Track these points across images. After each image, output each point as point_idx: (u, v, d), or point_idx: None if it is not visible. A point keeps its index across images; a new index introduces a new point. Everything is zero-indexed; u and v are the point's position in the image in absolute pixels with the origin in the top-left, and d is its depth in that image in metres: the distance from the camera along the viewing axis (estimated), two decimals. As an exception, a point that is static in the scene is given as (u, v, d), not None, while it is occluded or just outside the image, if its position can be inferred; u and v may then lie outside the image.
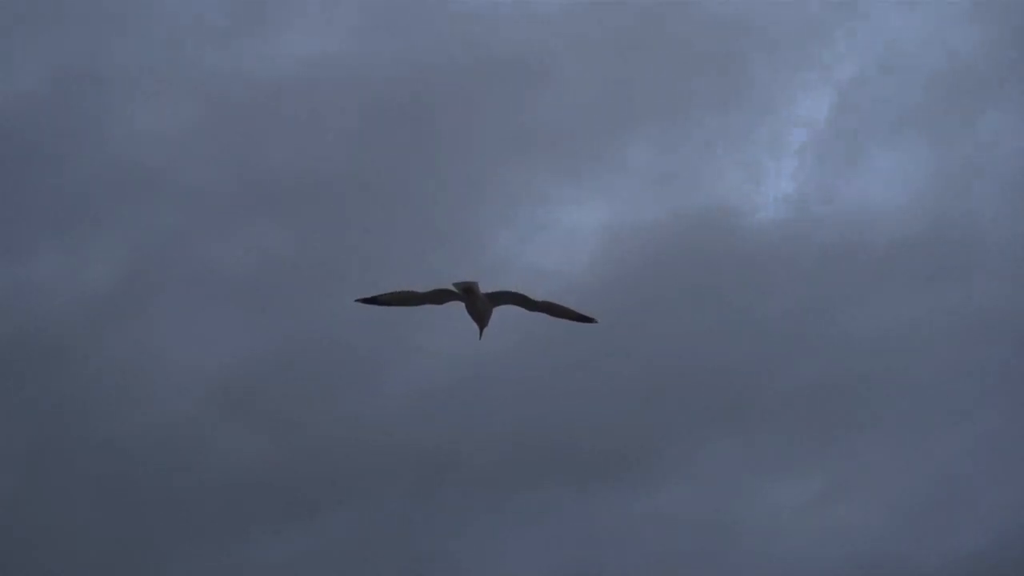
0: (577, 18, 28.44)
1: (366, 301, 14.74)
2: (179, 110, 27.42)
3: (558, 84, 28.37)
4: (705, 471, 25.53)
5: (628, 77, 28.58)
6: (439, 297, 14.86)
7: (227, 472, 24.14)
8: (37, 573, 23.59)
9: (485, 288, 14.92)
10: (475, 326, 15.13)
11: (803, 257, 26.99)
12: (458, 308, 15.01)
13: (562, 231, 27.45)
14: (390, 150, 27.61)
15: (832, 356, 26.12)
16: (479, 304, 14.78)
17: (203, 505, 24.18)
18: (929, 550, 24.58)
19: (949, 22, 28.52)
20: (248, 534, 24.15)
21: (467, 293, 14.73)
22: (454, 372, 24.97)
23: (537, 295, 15.08)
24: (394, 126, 27.78)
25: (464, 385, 24.79)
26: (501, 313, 25.81)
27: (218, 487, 24.18)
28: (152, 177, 26.87)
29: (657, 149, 28.26)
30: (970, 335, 26.26)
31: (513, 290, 14.92)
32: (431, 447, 24.65)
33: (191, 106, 27.49)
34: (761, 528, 25.01)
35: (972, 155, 27.91)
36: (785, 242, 27.13)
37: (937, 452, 25.60)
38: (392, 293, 14.73)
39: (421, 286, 14.74)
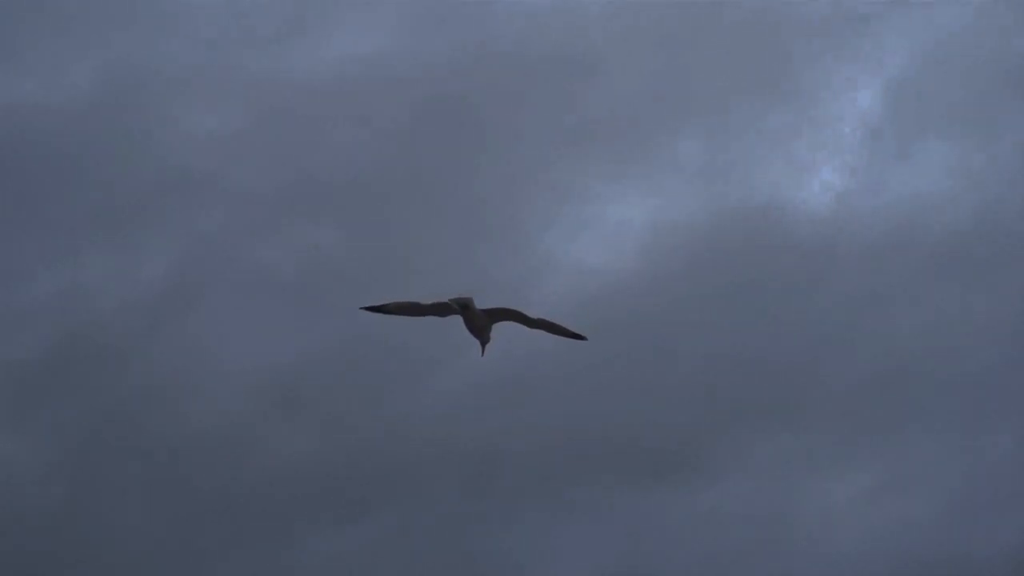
0: (623, 13, 28.40)
1: (372, 309, 14.92)
2: (227, 113, 27.57)
3: (604, 80, 28.35)
4: (757, 467, 25.46)
5: (675, 72, 28.52)
6: (441, 310, 15.04)
7: (277, 471, 24.23)
8: (92, 572, 23.73)
9: (482, 304, 15.10)
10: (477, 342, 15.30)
11: (852, 251, 26.88)
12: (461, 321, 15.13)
13: (609, 228, 27.43)
14: (436, 149, 27.66)
15: (883, 351, 25.98)
16: (476, 320, 14.93)
17: (254, 505, 24.27)
18: (982, 544, 24.40)
19: (999, 13, 28.32)
20: (299, 533, 24.21)
21: (463, 309, 14.91)
22: (504, 368, 24.93)
23: (534, 312, 15.22)
24: (440, 125, 27.83)
25: (515, 381, 24.78)
26: (545, 310, 25.81)
27: (268, 486, 24.27)
28: (201, 179, 27.04)
29: (704, 144, 28.20)
30: (1022, 328, 26.06)
31: (510, 307, 15.03)
32: (481, 444, 24.65)
33: (238, 109, 27.64)
34: (814, 524, 24.90)
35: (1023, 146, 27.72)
36: (834, 236, 27.02)
37: (989, 446, 25.42)
38: (397, 303, 14.91)
39: (425, 298, 14.87)
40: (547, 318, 15.23)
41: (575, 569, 24.28)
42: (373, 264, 25.93)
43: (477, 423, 24.43)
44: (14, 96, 27.26)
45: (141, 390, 24.80)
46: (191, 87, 27.70)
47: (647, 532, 24.60)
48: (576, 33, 28.31)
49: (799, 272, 26.66)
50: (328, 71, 27.67)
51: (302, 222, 26.81)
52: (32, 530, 23.80)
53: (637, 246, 27.07)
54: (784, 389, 25.86)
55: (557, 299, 26.15)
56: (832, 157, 28.18)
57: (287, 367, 24.38)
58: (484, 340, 15.15)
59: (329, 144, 27.60)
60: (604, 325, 25.95)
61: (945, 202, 27.34)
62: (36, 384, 25.01)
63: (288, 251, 26.33)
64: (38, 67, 27.69)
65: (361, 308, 14.96)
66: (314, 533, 24.22)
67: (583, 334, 15.43)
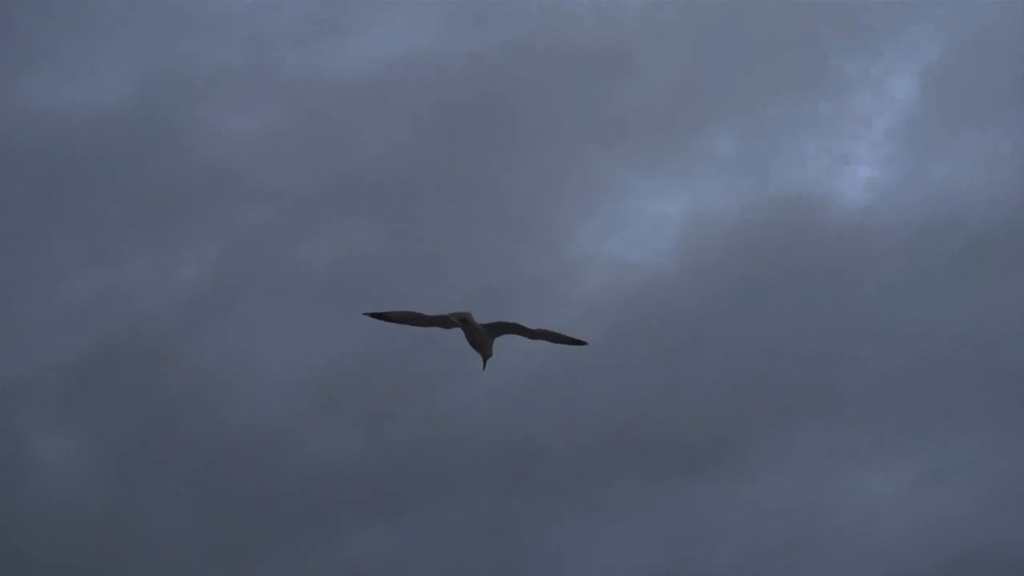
0: (657, 8, 28.36)
1: (375, 316, 14.90)
2: (264, 113, 27.68)
3: (639, 75, 28.31)
4: (797, 461, 25.38)
5: (709, 66, 28.46)
6: (443, 322, 15.07)
7: (317, 470, 24.31)
8: (136, 571, 23.87)
9: (482, 319, 15.15)
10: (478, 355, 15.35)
11: (889, 243, 26.77)
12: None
13: (645, 223, 27.41)
14: (472, 146, 27.70)
15: (923, 343, 25.85)
16: (476, 334, 14.99)
17: (294, 503, 24.36)
18: (1024, 537, 24.30)
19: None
20: (339, 531, 24.30)
21: (462, 323, 14.94)
22: (543, 366, 24.96)
23: (533, 324, 15.23)
24: (476, 122, 27.84)
25: (553, 379, 24.79)
26: (582, 306, 25.86)
27: (309, 485, 24.36)
28: (238, 179, 27.15)
29: (740, 137, 28.14)
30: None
31: (509, 320, 15.06)
32: (521, 442, 24.69)
33: (274, 108, 27.75)
34: (854, 518, 24.83)
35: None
36: (871, 228, 26.92)
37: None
38: (401, 312, 14.94)
39: (429, 309, 14.91)
40: (546, 328, 15.18)
41: (615, 566, 24.29)
42: (410, 263, 26.00)
43: (517, 421, 24.47)
44: (55, 100, 27.46)
45: (182, 390, 24.94)
46: (228, 88, 27.84)
47: (686, 528, 24.59)
48: (610, 28, 28.32)
49: (836, 265, 26.61)
50: (364, 70, 27.77)
51: (339, 221, 26.91)
52: (76, 530, 23.97)
53: (673, 240, 27.07)
54: (823, 382, 25.80)
55: (594, 295, 26.19)
56: (868, 148, 28.12)
57: (326, 366, 24.45)
58: (485, 355, 15.20)
59: (365, 143, 27.70)
60: (642, 320, 26.10)
61: (982, 193, 27.23)
62: (78, 385, 25.18)
63: (326, 250, 26.43)
64: (77, 71, 27.87)
65: (364, 314, 14.88)
66: (354, 532, 24.31)
67: (583, 339, 15.35)
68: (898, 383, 25.55)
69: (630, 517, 24.60)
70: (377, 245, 26.47)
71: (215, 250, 26.55)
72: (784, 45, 28.42)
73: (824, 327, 26.04)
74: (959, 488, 24.94)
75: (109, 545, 23.98)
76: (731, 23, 28.39)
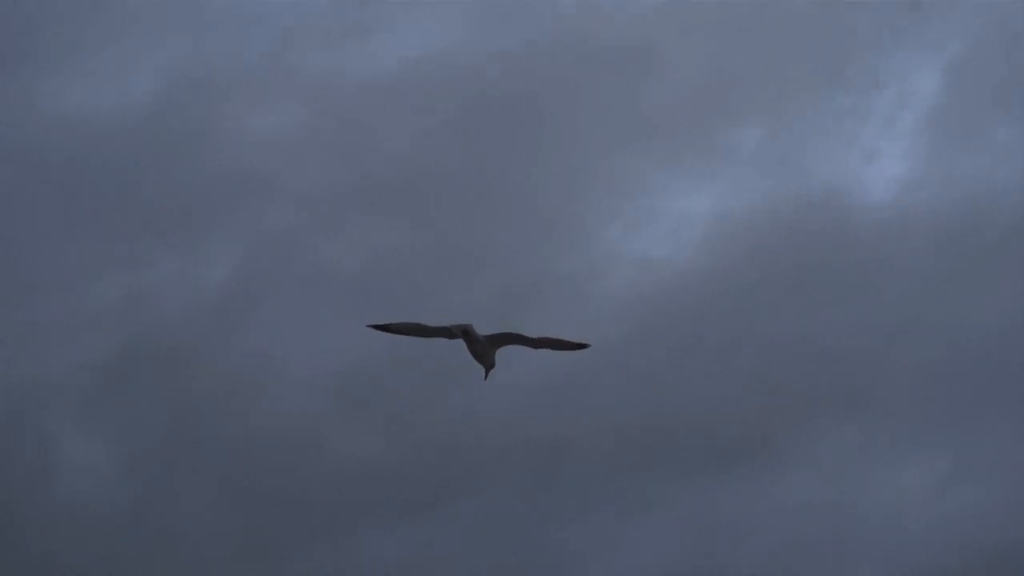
0: (681, 4, 28.30)
1: (379, 327, 14.95)
2: (287, 113, 27.72)
3: (664, 72, 28.27)
4: (825, 457, 25.29)
5: (734, 62, 28.41)
6: (446, 334, 15.10)
7: (344, 470, 24.31)
8: (162, 572, 23.91)
9: (484, 329, 15.18)
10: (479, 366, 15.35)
11: (916, 237, 26.67)
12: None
13: (670, 220, 27.36)
14: (497, 145, 27.68)
15: (951, 338, 25.73)
16: (477, 346, 14.98)
17: (321, 503, 24.36)
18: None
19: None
20: (366, 531, 24.30)
21: (464, 335, 14.98)
22: (568, 363, 24.89)
23: (533, 332, 15.19)
24: (500, 120, 27.84)
25: (580, 376, 24.74)
26: (608, 304, 25.81)
27: (335, 485, 24.35)
28: (263, 180, 27.20)
29: (765, 133, 28.07)
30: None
31: (510, 331, 15.06)
32: (546, 440, 24.64)
33: (298, 108, 27.79)
34: (884, 513, 24.70)
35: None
36: (897, 222, 26.82)
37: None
38: (404, 324, 15.01)
39: (431, 321, 14.96)
40: (548, 335, 15.17)
41: (641, 563, 24.23)
42: (435, 262, 25.99)
43: (541, 418, 24.42)
44: (80, 103, 27.55)
45: (208, 392, 24.96)
46: (252, 89, 27.90)
47: (713, 525, 24.50)
48: (634, 25, 28.27)
49: (862, 260, 26.52)
50: (388, 69, 27.79)
51: (364, 222, 26.92)
52: (103, 531, 24.02)
53: (699, 237, 27.01)
54: (851, 378, 25.71)
55: (620, 292, 26.15)
56: (894, 143, 28.02)
57: (351, 367, 24.43)
58: (487, 365, 15.17)
59: (390, 143, 27.71)
60: (667, 317, 26.04)
61: (1010, 186, 27.11)
62: (105, 387, 25.24)
63: (351, 251, 26.43)
64: (101, 73, 27.96)
65: (367, 326, 14.93)
66: (379, 532, 24.30)
67: (586, 342, 15.27)
68: (926, 378, 25.46)
69: (656, 514, 24.55)
70: (402, 245, 26.50)
71: (240, 252, 26.61)
72: (809, 40, 28.37)
73: (851, 323, 25.96)
74: (987, 483, 24.84)
75: (135, 546, 24.04)
76: (755, 19, 28.35)
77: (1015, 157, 27.42)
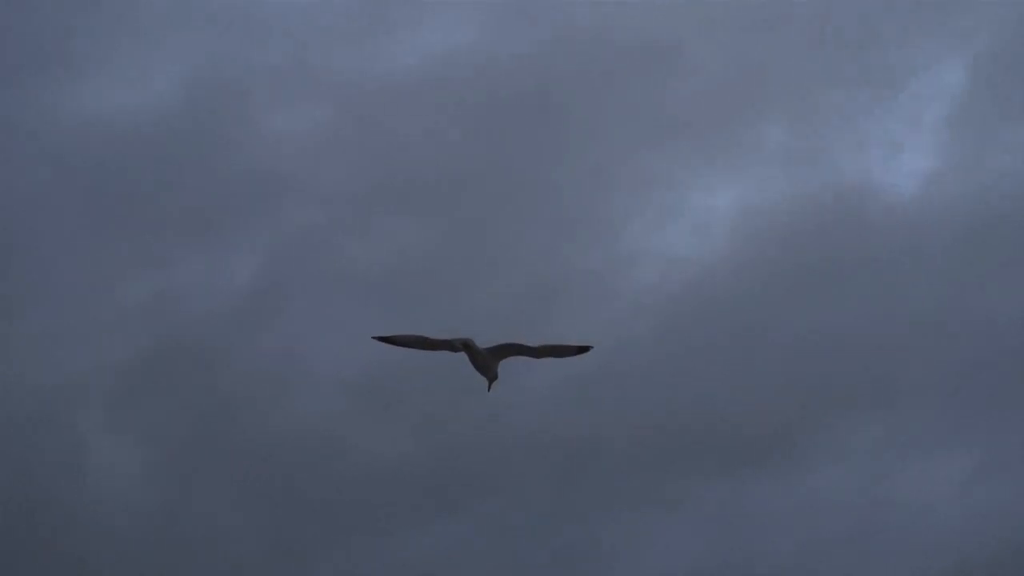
0: (705, 1, 28.27)
1: (383, 339, 15.05)
2: (310, 114, 27.76)
3: (688, 68, 28.22)
4: (852, 453, 25.25)
5: (758, 57, 28.34)
6: (448, 347, 15.15)
7: (372, 470, 24.33)
8: (191, 572, 23.99)
9: (484, 343, 15.19)
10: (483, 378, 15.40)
11: (942, 232, 26.57)
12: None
13: (695, 216, 27.33)
14: (521, 142, 27.68)
15: (977, 332, 25.65)
16: (479, 358, 15.04)
17: (348, 503, 24.40)
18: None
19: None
20: (393, 530, 24.32)
21: (465, 348, 15.04)
22: (595, 360, 24.88)
23: (534, 341, 15.17)
24: (524, 118, 27.83)
25: (606, 373, 24.74)
26: (633, 301, 25.79)
27: (363, 485, 24.38)
28: (286, 180, 27.23)
29: (789, 128, 28.01)
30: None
31: (510, 342, 15.07)
32: (575, 438, 24.63)
33: (322, 109, 27.82)
34: (911, 509, 24.65)
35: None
36: (924, 217, 26.73)
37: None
38: (408, 336, 15.05)
39: (434, 333, 15.01)
40: (548, 343, 15.15)
41: (670, 561, 24.22)
42: (460, 261, 26.02)
43: (570, 417, 24.42)
44: (105, 106, 27.63)
45: (235, 391, 25.02)
46: (275, 90, 27.94)
47: (742, 521, 24.49)
48: (658, 22, 28.22)
49: (889, 255, 26.45)
50: (411, 69, 27.79)
51: (389, 221, 26.94)
52: (131, 530, 24.11)
53: (724, 233, 26.99)
54: (878, 373, 25.65)
55: (645, 289, 26.14)
56: (919, 137, 27.92)
57: (378, 366, 24.42)
58: (491, 377, 15.20)
59: (414, 142, 27.72)
60: (694, 313, 26.02)
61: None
62: (132, 387, 25.32)
63: (375, 250, 26.47)
64: (126, 75, 28.05)
65: (373, 337, 15.04)
66: (408, 531, 24.33)
67: (587, 344, 15.22)
68: (952, 373, 25.40)
69: (683, 511, 24.54)
70: (426, 244, 26.53)
71: (264, 252, 26.67)
72: (834, 35, 28.29)
73: (876, 318, 25.91)
74: (1018, 478, 24.74)
75: (164, 545, 24.11)
76: (779, 14, 28.27)
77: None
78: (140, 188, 27.13)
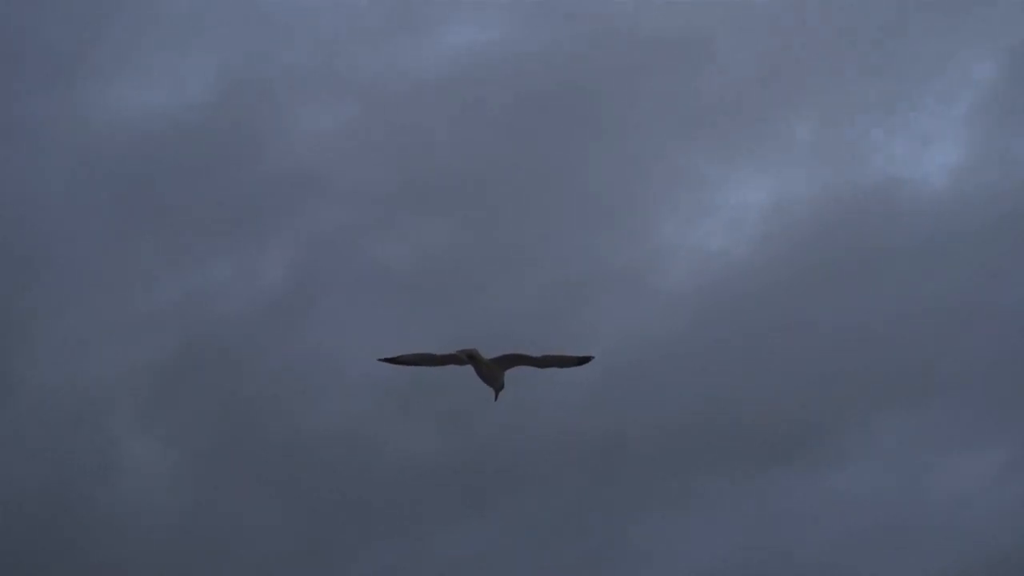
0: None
1: (389, 360, 15.21)
2: (339, 113, 27.76)
3: (718, 62, 28.13)
4: (887, 447, 25.11)
5: (789, 51, 28.21)
6: (455, 360, 15.28)
7: (403, 469, 24.32)
8: (223, 572, 24.03)
9: (490, 353, 15.30)
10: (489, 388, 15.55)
11: (975, 224, 26.38)
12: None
13: (727, 211, 27.25)
14: (551, 139, 27.64)
15: (1010, 326, 25.47)
16: (484, 369, 15.20)
17: (379, 502, 24.39)
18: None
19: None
20: (424, 529, 24.31)
21: (470, 359, 15.19)
22: (627, 355, 24.88)
23: (535, 351, 15.27)
24: (554, 114, 27.80)
25: (638, 369, 24.69)
26: (665, 296, 25.72)
27: (394, 484, 24.38)
28: (315, 180, 27.26)
29: (820, 123, 27.90)
30: None
31: (514, 352, 15.20)
32: (605, 435, 24.57)
33: (350, 108, 27.82)
34: (946, 504, 24.49)
35: None
36: (956, 211, 26.56)
37: None
38: (413, 354, 15.18)
39: (439, 349, 15.13)
40: (550, 353, 15.28)
41: (703, 557, 24.13)
42: (491, 258, 26.01)
43: (600, 414, 24.37)
44: (133, 106, 27.72)
45: (266, 391, 25.05)
46: (304, 90, 27.97)
47: (775, 520, 24.37)
48: (689, 16, 28.14)
49: (921, 248, 26.30)
50: (440, 66, 27.80)
51: (419, 219, 26.95)
52: (163, 531, 24.16)
53: (755, 229, 26.89)
54: (911, 368, 25.51)
55: (677, 285, 26.08)
56: (949, 130, 27.77)
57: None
58: (497, 387, 15.37)
59: (444, 139, 27.72)
60: (725, 309, 25.94)
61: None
62: (163, 388, 25.39)
63: (406, 249, 26.48)
64: (155, 77, 28.13)
65: (379, 360, 15.21)
66: (439, 530, 24.31)
67: (588, 355, 15.32)
68: (987, 365, 25.25)
69: (718, 509, 24.45)
70: (457, 243, 26.51)
71: (294, 252, 26.70)
72: (863, 28, 28.16)
73: (910, 312, 25.76)
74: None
75: (195, 545, 24.17)
76: (809, 7, 28.17)
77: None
78: (170, 190, 27.22)
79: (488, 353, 15.15)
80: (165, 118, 27.42)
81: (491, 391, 15.42)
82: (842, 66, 28.09)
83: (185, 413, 25.25)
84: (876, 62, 28.07)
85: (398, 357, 15.16)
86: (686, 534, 24.28)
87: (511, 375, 15.31)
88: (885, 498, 24.57)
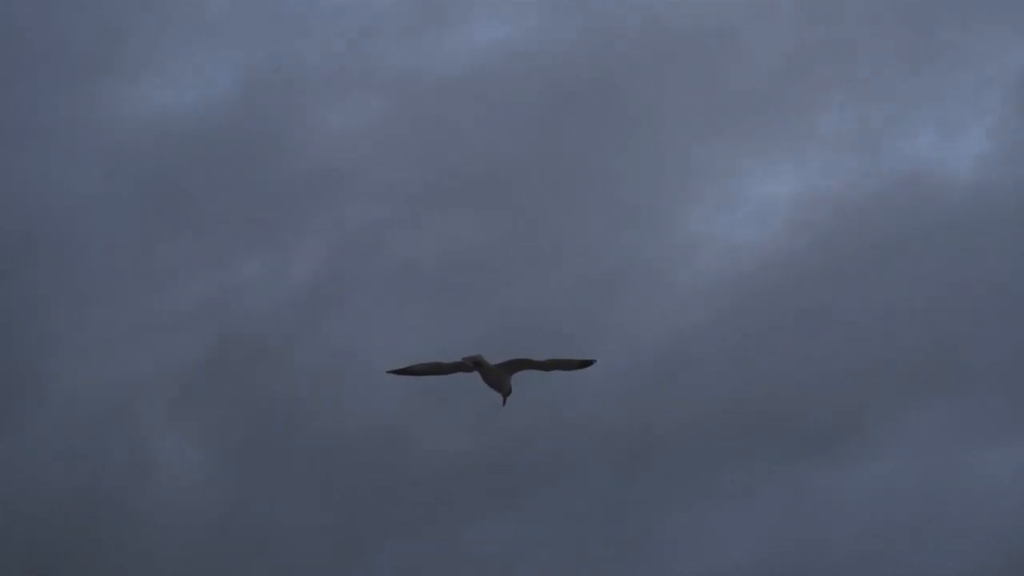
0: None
1: (398, 372, 15.39)
2: (366, 109, 27.81)
3: (744, 54, 28.08)
4: (918, 438, 25.02)
5: (816, 42, 28.13)
6: (462, 367, 15.51)
7: (433, 463, 24.36)
8: (258, 568, 24.11)
9: (494, 359, 15.55)
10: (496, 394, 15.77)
11: (1005, 215, 26.30)
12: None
13: (755, 203, 27.20)
14: (577, 133, 27.63)
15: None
16: (491, 374, 15.45)
17: (413, 497, 24.44)
18: None
19: None
20: (458, 523, 24.35)
21: (476, 366, 15.44)
22: (655, 349, 24.89)
23: (541, 355, 15.58)
24: (581, 108, 27.78)
25: (665, 363, 24.70)
26: (693, 289, 25.72)
27: (427, 479, 24.42)
28: (343, 176, 27.31)
29: (848, 113, 27.82)
30: None
31: (518, 357, 15.46)
32: (637, 428, 24.59)
33: (377, 104, 27.87)
34: (976, 496, 24.40)
35: None
36: (987, 201, 26.47)
37: None
38: (422, 364, 15.38)
39: (447, 358, 15.37)
40: (554, 357, 15.55)
41: (734, 551, 24.13)
42: (519, 253, 26.03)
43: (632, 406, 24.38)
44: (160, 104, 27.81)
45: (296, 388, 25.13)
46: (331, 86, 28.02)
47: (804, 512, 24.32)
48: (715, 7, 28.11)
49: (950, 237, 26.22)
50: (466, 61, 27.82)
51: (447, 215, 26.97)
52: (194, 528, 24.26)
53: (784, 220, 26.85)
54: (942, 359, 25.44)
55: (705, 277, 26.07)
56: (979, 120, 27.65)
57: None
58: (504, 392, 15.60)
59: (471, 135, 27.73)
60: (754, 301, 25.91)
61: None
62: (194, 386, 25.48)
63: (433, 245, 26.52)
64: (181, 74, 28.20)
65: (387, 372, 15.41)
66: (472, 523, 24.35)
67: (590, 359, 15.60)
68: (1015, 357, 25.13)
69: (749, 501, 24.41)
70: (484, 238, 26.54)
71: (323, 248, 26.76)
72: (891, 17, 28.06)
73: (941, 302, 25.70)
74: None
75: (230, 541, 24.26)
76: (836, -1, 28.13)
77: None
78: (197, 188, 27.31)
79: (493, 359, 15.37)
80: (192, 117, 27.54)
81: (499, 396, 15.62)
82: (868, 56, 28.03)
83: (216, 411, 25.36)
84: (902, 52, 28.01)
85: (406, 368, 15.36)
86: (717, 526, 24.28)
87: (522, 377, 15.52)
88: (917, 490, 24.51)
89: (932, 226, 26.33)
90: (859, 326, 25.63)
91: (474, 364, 15.39)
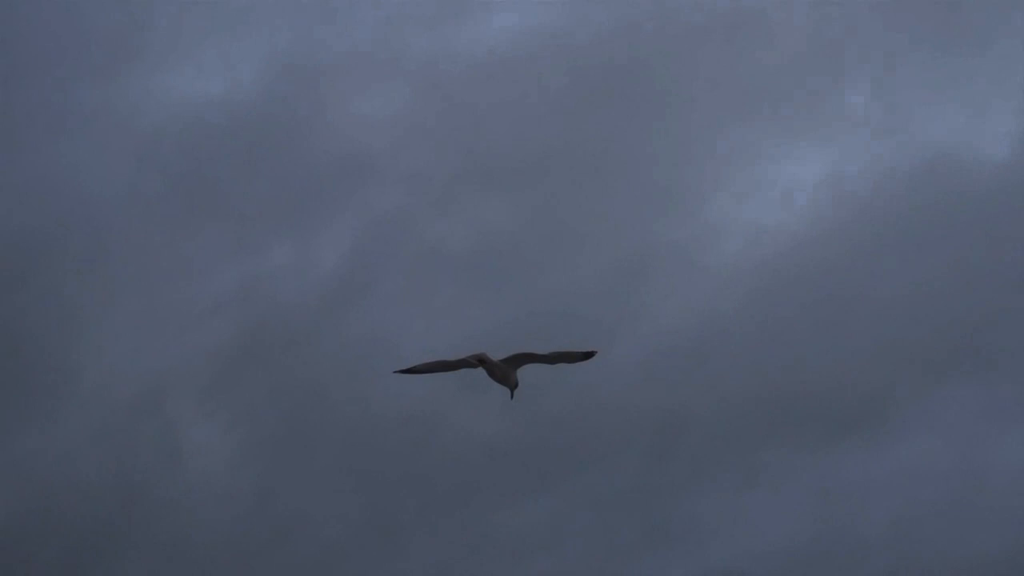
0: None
1: (405, 372, 15.59)
2: (393, 95, 27.83)
3: (772, 38, 28.03)
4: (946, 421, 24.97)
5: (842, 24, 28.07)
6: (467, 364, 15.67)
7: (465, 448, 24.40)
8: (288, 552, 24.17)
9: (497, 355, 15.69)
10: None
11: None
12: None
13: (781, 186, 27.16)
14: (604, 117, 27.61)
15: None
16: (496, 370, 15.62)
17: (444, 481, 24.48)
18: None
19: None
20: (487, 507, 24.38)
21: (480, 363, 15.59)
22: (685, 332, 24.88)
23: (543, 349, 15.65)
24: (607, 93, 27.76)
25: (696, 345, 24.69)
26: (720, 273, 25.69)
27: (457, 463, 24.45)
28: (371, 163, 27.34)
29: (876, 96, 27.75)
30: None
31: (522, 352, 15.58)
32: (667, 411, 24.59)
33: (404, 90, 27.90)
34: (1006, 477, 24.35)
35: None
36: (1015, 180, 26.37)
37: None
38: (426, 363, 15.57)
39: (452, 355, 15.52)
40: (557, 349, 15.64)
41: (765, 532, 24.11)
42: (547, 238, 26.03)
43: (661, 390, 24.38)
44: (192, 94, 27.89)
45: (326, 374, 25.18)
46: (358, 73, 28.04)
47: (837, 493, 24.30)
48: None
49: (978, 219, 26.12)
50: (493, 46, 27.80)
51: (475, 200, 26.98)
52: (224, 515, 24.33)
53: (811, 202, 26.80)
54: (972, 339, 25.37)
55: (732, 261, 26.04)
56: (1006, 99, 27.55)
57: (467, 345, 24.50)
58: (511, 386, 15.77)
59: (498, 120, 27.73)
60: (781, 284, 25.88)
61: None
62: (224, 373, 25.55)
63: (462, 230, 26.54)
64: (209, 64, 28.27)
65: (394, 372, 15.59)
66: (503, 507, 24.38)
67: (592, 350, 15.65)
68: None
69: (780, 483, 24.40)
70: (512, 222, 26.54)
71: (352, 235, 26.79)
72: (917, -1, 27.99)
73: (969, 284, 25.61)
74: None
75: (261, 526, 24.33)
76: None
77: None
78: (226, 177, 27.38)
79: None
80: (219, 105, 27.60)
81: (507, 391, 15.79)
82: (896, 37, 27.95)
83: (246, 398, 25.44)
84: (930, 32, 27.91)
85: (413, 367, 15.52)
86: (748, 508, 24.28)
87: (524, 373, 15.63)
88: (947, 471, 24.47)
89: (960, 207, 26.26)
90: (888, 308, 25.60)
91: (479, 362, 15.53)
